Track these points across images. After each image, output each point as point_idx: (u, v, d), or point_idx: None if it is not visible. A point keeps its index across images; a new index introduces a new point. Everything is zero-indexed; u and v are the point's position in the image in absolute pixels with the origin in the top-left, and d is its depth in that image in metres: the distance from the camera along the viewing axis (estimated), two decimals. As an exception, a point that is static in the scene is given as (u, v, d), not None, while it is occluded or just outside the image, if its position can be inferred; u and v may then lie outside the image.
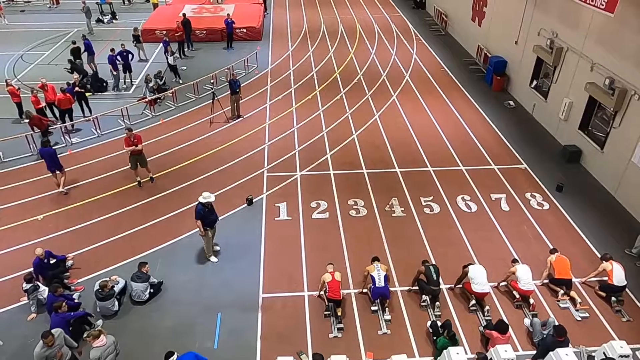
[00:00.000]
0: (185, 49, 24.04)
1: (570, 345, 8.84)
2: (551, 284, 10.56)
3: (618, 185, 13.51)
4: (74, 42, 20.64)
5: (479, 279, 10.01)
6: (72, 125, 16.84)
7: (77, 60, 20.45)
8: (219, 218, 12.33)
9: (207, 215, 10.82)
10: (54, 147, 14.23)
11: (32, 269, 10.29)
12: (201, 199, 10.76)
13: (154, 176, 14.18)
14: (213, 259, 11.35)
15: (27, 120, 15.74)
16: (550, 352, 8.58)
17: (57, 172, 13.57)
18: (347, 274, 10.96)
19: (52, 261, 10.61)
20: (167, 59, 20.72)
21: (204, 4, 29.99)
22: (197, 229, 11.06)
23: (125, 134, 13.56)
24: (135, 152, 13.47)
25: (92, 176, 14.35)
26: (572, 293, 10.35)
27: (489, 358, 8.79)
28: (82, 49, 21.02)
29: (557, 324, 9.08)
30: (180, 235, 12.06)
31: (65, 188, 13.69)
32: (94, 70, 20.67)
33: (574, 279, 10.54)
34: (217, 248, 11.64)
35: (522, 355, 9.12)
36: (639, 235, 11.57)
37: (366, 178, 14.45)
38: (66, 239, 11.90)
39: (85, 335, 9.09)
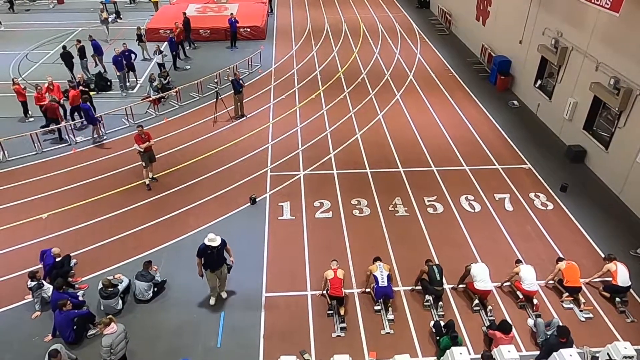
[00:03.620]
0: (187, 48, 24.09)
1: (574, 346, 8.82)
2: (558, 285, 10.52)
3: (623, 186, 13.45)
4: (79, 41, 20.68)
5: (482, 276, 10.00)
6: (82, 123, 16.93)
7: (84, 59, 20.48)
8: (222, 217, 12.40)
9: (208, 257, 9.75)
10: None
11: (40, 266, 10.34)
12: (206, 241, 9.67)
13: (156, 175, 14.19)
14: (211, 300, 10.21)
15: (43, 103, 16.06)
16: (554, 353, 8.55)
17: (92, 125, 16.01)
18: (350, 274, 10.96)
19: (58, 259, 10.64)
20: (174, 58, 20.69)
21: (207, 3, 30.01)
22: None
23: (137, 131, 13.52)
24: (148, 148, 13.49)
25: (96, 175, 14.39)
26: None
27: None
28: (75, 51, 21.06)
29: (561, 324, 9.06)
30: (184, 234, 12.08)
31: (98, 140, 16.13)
32: (103, 69, 20.75)
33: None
34: (224, 295, 10.39)
35: (526, 355, 9.11)
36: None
37: (370, 177, 14.44)
38: (71, 237, 11.94)
39: (95, 322, 9.45)
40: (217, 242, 9.63)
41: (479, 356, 8.93)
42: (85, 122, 16.76)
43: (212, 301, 10.22)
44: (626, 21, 12.84)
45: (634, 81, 12.70)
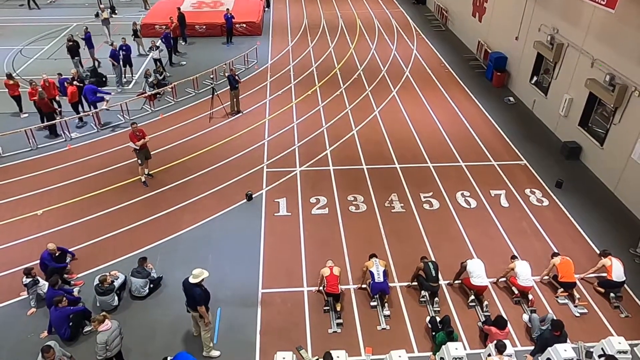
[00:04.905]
0: (182, 43, 23.96)
1: (568, 341, 8.88)
2: (553, 281, 10.57)
3: (617, 182, 13.51)
4: (69, 40, 20.51)
5: (478, 272, 10.05)
6: (81, 119, 16.85)
7: (76, 58, 20.35)
8: (218, 214, 12.39)
9: (208, 296, 8.71)
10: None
11: (36, 262, 10.31)
12: (192, 280, 8.42)
13: (152, 172, 14.15)
14: (215, 353, 9.05)
15: (35, 99, 16.02)
16: (549, 348, 8.61)
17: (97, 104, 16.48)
18: (346, 270, 10.98)
19: (57, 253, 10.59)
20: (169, 54, 20.58)
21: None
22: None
23: (130, 129, 13.46)
24: (143, 146, 13.43)
25: (92, 171, 14.33)
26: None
27: (487, 354, 8.82)
28: (83, 43, 20.92)
29: (555, 318, 9.11)
30: (179, 230, 12.06)
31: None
32: (94, 63, 20.61)
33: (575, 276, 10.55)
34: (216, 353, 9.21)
35: (521, 350, 9.16)
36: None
37: (366, 174, 14.44)
38: (66, 234, 11.89)
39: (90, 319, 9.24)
40: (205, 273, 8.54)
41: (475, 351, 9.02)
42: (83, 119, 16.75)
43: (216, 353, 9.10)
44: (622, 17, 12.86)
45: (629, 77, 12.73)
